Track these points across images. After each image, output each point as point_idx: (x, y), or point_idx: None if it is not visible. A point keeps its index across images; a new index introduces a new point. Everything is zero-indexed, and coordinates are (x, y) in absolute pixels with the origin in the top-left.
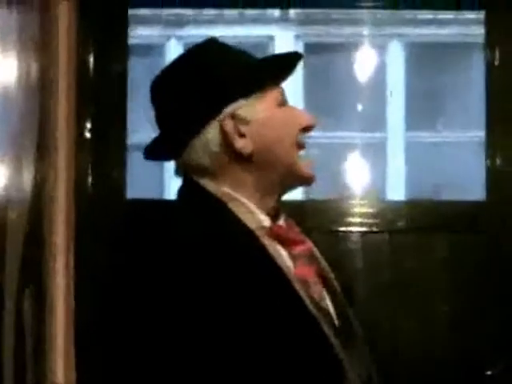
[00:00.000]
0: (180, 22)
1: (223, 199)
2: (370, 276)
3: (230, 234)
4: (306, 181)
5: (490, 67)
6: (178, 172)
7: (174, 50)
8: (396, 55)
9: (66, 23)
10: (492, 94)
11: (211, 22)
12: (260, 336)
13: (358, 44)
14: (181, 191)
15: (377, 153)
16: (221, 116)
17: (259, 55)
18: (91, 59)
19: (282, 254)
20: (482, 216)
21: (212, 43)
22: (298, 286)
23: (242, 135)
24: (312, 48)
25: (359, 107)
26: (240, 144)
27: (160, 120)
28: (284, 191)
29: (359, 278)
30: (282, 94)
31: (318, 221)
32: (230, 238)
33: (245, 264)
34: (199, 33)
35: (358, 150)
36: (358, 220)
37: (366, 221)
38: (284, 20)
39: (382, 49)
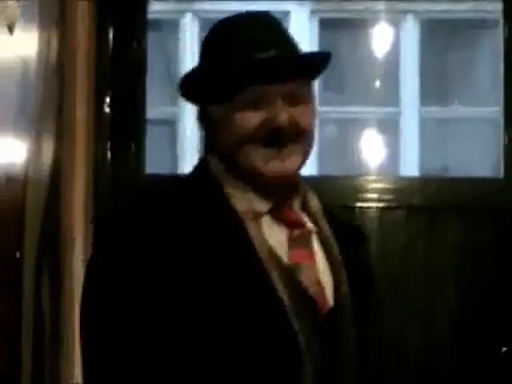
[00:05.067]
0: None
1: (218, 177)
2: (385, 250)
3: (206, 212)
4: (265, 177)
5: (507, 43)
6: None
7: (189, 25)
8: (410, 31)
9: (85, 1)
10: (509, 69)
11: None
12: (218, 315)
13: (372, 20)
14: (192, 173)
15: (390, 128)
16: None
17: None
18: (110, 35)
19: (277, 237)
20: (498, 193)
21: (216, 28)
22: (271, 270)
23: (215, 131)
24: (327, 23)
25: (373, 83)
26: (218, 137)
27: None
28: (271, 185)
29: (374, 253)
30: (262, 91)
31: (332, 196)
32: (204, 216)
33: (210, 243)
34: (215, 8)
35: (371, 125)
36: (373, 196)
37: (381, 197)
38: None
39: (396, 24)
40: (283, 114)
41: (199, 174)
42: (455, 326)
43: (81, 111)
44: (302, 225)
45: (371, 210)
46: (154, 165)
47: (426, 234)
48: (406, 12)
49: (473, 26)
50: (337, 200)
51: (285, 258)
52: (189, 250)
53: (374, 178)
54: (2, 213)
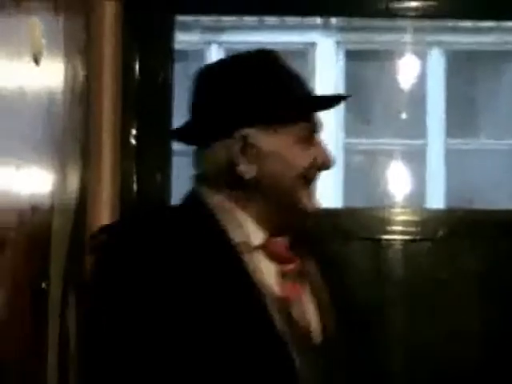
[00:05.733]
0: (220, 28)
1: (213, 209)
2: (411, 283)
3: (203, 243)
4: (307, 214)
5: None
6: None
7: (214, 56)
8: (436, 63)
9: (112, 28)
10: None
11: (252, 28)
12: (217, 349)
13: (398, 51)
14: (182, 203)
15: (416, 159)
16: (234, 135)
17: (300, 61)
18: (136, 65)
19: (267, 271)
20: None
21: (262, 56)
22: (269, 303)
23: (249, 160)
24: (353, 55)
25: (399, 114)
26: (243, 168)
27: (190, 108)
28: (287, 223)
29: (399, 285)
30: (310, 128)
31: (358, 229)
32: (202, 247)
33: (211, 275)
34: (240, 39)
35: (398, 156)
36: (399, 228)
37: (407, 229)
38: (325, 27)
39: (422, 56)
40: (329, 154)
41: (193, 206)
42: (483, 356)
43: (107, 141)
44: (293, 260)
45: (396, 242)
46: (180, 195)
47: (451, 266)
48: (431, 44)
49: (498, 58)
50: (362, 232)
51: (277, 292)
52: (190, 284)
53: (399, 210)
54: (27, 242)
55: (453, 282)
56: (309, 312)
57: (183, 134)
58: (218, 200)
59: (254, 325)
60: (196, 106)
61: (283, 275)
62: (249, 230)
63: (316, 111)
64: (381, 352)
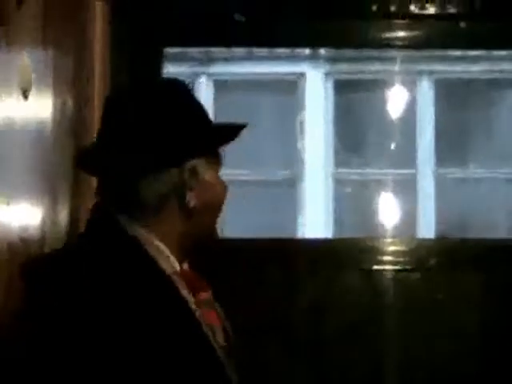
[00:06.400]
0: (209, 59)
1: (139, 239)
2: (403, 313)
3: (140, 275)
4: (214, 241)
5: None
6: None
7: (203, 87)
8: (426, 92)
9: (101, 61)
10: None
11: (241, 59)
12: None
13: (388, 81)
14: (95, 223)
15: (407, 189)
16: (183, 166)
17: (290, 92)
18: None
19: (189, 299)
20: None
21: (186, 89)
22: (207, 331)
23: (190, 189)
24: (342, 85)
25: (389, 144)
26: (189, 197)
27: (116, 136)
28: (195, 249)
29: (391, 316)
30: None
31: (349, 258)
32: (139, 280)
33: (160, 308)
34: (228, 70)
35: (388, 186)
36: (389, 258)
37: (397, 259)
38: (314, 58)
39: (411, 85)
40: None
41: (114, 237)
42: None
43: None
44: (206, 289)
45: (387, 272)
46: None
47: (443, 296)
48: (421, 73)
49: (488, 86)
50: (353, 262)
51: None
52: (136, 320)
53: (390, 240)
54: (18, 274)
55: (444, 310)
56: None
57: (100, 164)
58: (141, 232)
59: (203, 353)
60: (121, 136)
61: (199, 303)
62: (172, 260)
63: (231, 141)
64: (374, 377)
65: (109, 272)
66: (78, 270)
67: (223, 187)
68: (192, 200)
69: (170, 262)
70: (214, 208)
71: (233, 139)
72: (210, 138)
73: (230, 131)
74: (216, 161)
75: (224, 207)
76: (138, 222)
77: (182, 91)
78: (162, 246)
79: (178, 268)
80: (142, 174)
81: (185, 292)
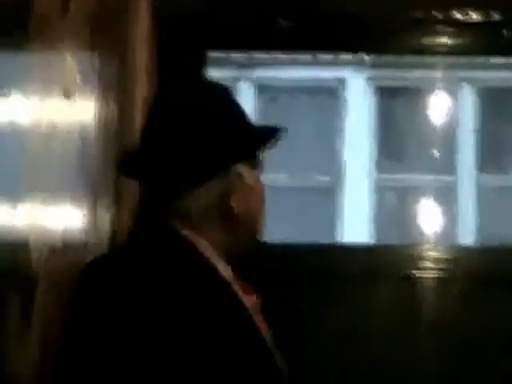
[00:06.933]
0: (252, 64)
1: (202, 250)
2: (441, 321)
3: (212, 282)
4: (257, 244)
5: None
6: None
7: (245, 91)
8: (467, 99)
9: (145, 65)
10: None
11: (284, 64)
12: None
13: (429, 88)
14: (156, 236)
15: (448, 196)
16: (230, 171)
17: (331, 98)
18: None
19: (248, 305)
20: None
21: (228, 93)
22: (265, 337)
23: (235, 193)
24: (383, 91)
25: (430, 151)
26: (234, 203)
27: (162, 142)
28: (240, 254)
29: (429, 324)
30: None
31: (388, 265)
32: (213, 287)
33: (226, 314)
34: (270, 74)
35: (429, 193)
36: (430, 265)
37: (438, 266)
38: (356, 63)
39: (453, 92)
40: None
41: (175, 244)
42: None
43: None
44: (253, 294)
45: (427, 279)
46: None
47: (482, 304)
48: (462, 80)
49: None
50: (392, 269)
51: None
52: (202, 320)
53: (430, 246)
54: (60, 278)
55: (484, 320)
56: None
57: (146, 170)
58: (195, 237)
59: (266, 360)
60: (168, 142)
61: (252, 308)
62: (226, 266)
63: (275, 143)
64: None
65: (176, 276)
66: (148, 272)
67: (263, 190)
68: (238, 206)
69: (225, 268)
70: (257, 211)
71: (276, 141)
72: (254, 141)
73: (274, 133)
74: (257, 165)
75: (265, 211)
76: (198, 233)
77: (226, 95)
78: (216, 254)
79: (232, 274)
80: (192, 181)
81: (244, 298)
